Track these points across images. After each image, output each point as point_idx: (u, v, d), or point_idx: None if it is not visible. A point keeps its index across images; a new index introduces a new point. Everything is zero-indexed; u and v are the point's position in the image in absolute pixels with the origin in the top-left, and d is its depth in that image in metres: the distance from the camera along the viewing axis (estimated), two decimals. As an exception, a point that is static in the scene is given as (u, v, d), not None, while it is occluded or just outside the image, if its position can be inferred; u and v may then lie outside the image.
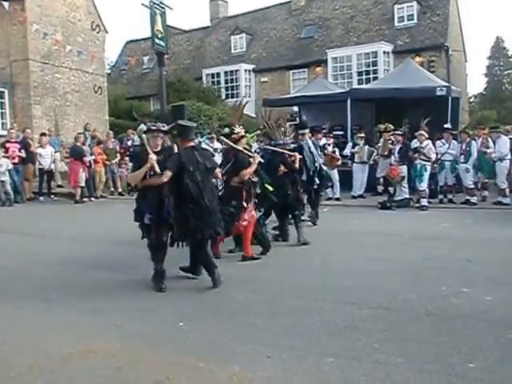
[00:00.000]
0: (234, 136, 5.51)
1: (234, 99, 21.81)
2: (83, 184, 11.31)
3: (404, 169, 9.49)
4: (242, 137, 5.54)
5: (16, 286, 4.79)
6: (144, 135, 4.59)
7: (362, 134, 10.81)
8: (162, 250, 4.52)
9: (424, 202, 9.25)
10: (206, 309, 3.98)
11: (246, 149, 5.56)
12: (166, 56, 14.35)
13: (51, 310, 4.04)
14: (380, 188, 10.68)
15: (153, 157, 4.32)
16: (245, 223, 5.29)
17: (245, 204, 5.28)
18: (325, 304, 4.01)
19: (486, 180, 10.00)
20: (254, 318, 3.74)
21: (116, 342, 3.33)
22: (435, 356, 3.01)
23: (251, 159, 5.34)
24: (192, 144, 4.69)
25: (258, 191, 5.65)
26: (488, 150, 9.68)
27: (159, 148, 4.56)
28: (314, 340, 3.29)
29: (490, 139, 9.88)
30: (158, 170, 4.32)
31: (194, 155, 4.51)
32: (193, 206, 4.37)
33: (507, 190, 9.54)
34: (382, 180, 10.57)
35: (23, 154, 11.37)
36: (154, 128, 4.52)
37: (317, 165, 7.19)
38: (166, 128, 4.60)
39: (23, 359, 3.11)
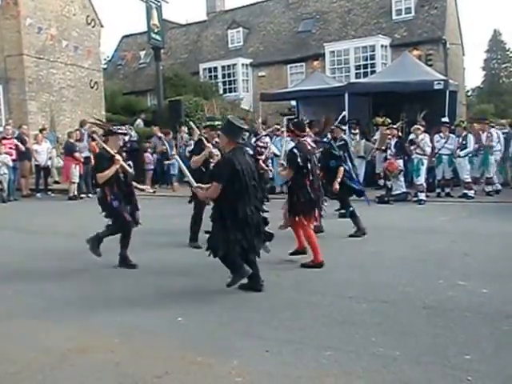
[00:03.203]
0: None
1: (232, 94, 21.83)
2: (76, 180, 11.25)
3: (400, 163, 9.50)
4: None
5: (15, 282, 4.79)
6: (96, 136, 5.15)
7: (356, 131, 10.81)
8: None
9: (421, 195, 9.27)
10: (205, 303, 3.99)
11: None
12: (162, 50, 14.31)
13: (50, 306, 4.04)
14: (381, 182, 10.67)
15: (119, 157, 4.77)
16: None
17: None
18: (323, 298, 4.03)
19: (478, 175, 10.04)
20: (252, 312, 3.76)
21: (115, 337, 3.34)
22: (432, 348, 3.04)
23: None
24: (239, 145, 4.09)
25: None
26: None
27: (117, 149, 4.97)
28: (313, 334, 3.31)
29: (481, 134, 9.94)
30: (128, 169, 4.86)
31: (244, 158, 3.98)
32: (234, 217, 3.91)
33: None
34: (382, 174, 10.57)
35: (22, 147, 11.32)
36: (119, 131, 4.97)
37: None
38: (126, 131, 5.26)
39: (22, 355, 3.11)
